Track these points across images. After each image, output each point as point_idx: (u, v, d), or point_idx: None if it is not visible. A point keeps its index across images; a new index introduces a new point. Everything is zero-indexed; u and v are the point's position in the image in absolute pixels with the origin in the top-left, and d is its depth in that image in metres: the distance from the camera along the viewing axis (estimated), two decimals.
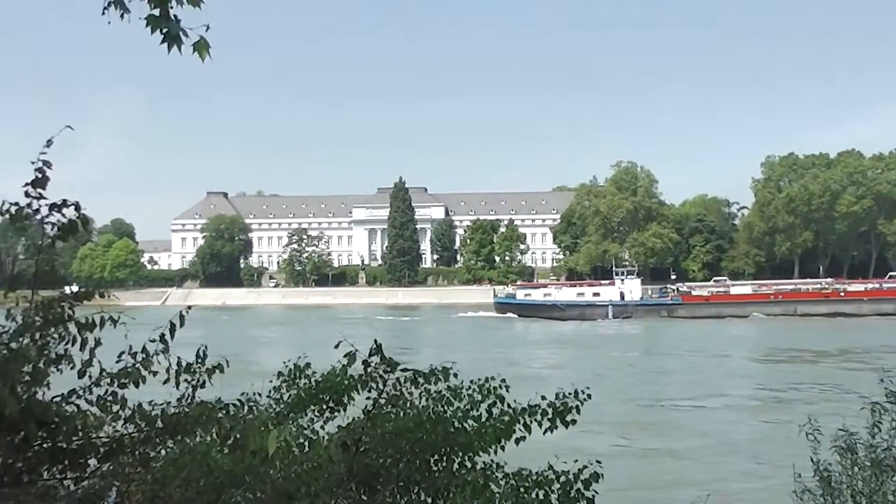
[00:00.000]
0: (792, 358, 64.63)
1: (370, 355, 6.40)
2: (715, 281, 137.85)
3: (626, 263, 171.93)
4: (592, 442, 31.21)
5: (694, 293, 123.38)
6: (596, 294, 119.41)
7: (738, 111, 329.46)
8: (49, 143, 5.02)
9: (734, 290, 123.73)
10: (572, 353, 71.12)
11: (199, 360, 5.69)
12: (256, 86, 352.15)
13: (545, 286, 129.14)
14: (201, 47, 4.57)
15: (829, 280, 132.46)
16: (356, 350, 6.42)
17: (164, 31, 4.53)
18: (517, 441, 6.75)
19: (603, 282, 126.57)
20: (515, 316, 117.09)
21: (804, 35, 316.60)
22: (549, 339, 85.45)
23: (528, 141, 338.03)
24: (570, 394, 6.97)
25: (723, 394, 46.41)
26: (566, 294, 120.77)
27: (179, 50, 4.58)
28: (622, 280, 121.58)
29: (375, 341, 6.37)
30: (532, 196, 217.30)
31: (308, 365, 7.38)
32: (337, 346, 6.45)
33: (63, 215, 5.01)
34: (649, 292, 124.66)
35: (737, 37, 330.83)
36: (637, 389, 47.26)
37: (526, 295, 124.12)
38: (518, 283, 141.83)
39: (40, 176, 4.97)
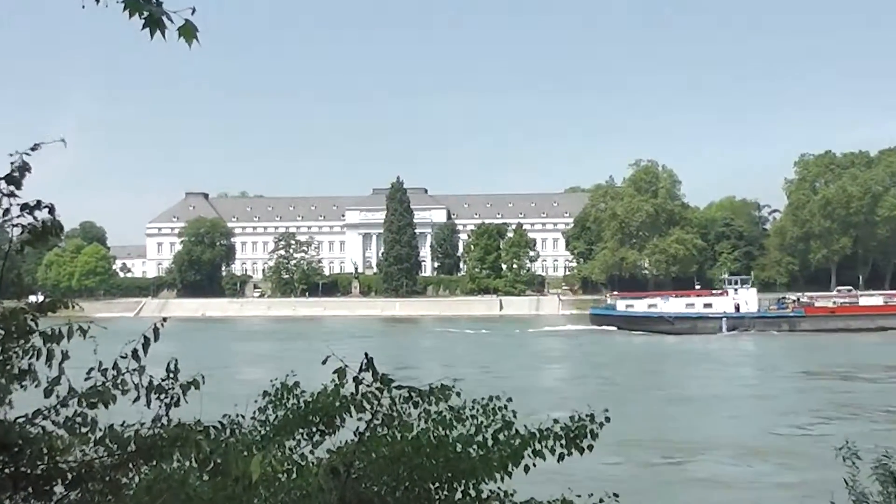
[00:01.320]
0: None
1: (360, 371, 6.38)
2: (838, 291, 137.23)
3: (646, 272, 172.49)
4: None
5: (817, 304, 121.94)
6: (707, 305, 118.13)
7: (770, 106, 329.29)
8: (36, 147, 4.96)
9: (863, 301, 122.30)
10: (710, 374, 68.55)
11: (171, 376, 5.66)
12: (240, 78, 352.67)
13: (650, 296, 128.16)
14: (187, 32, 4.51)
15: None
16: (346, 366, 6.41)
17: (145, 15, 4.51)
18: (526, 468, 6.74)
19: (714, 291, 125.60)
20: (615, 329, 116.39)
21: (841, 26, 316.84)
22: (669, 357, 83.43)
23: (538, 138, 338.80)
24: (586, 416, 6.96)
25: None
26: (674, 305, 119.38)
27: (163, 35, 4.55)
28: (736, 290, 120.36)
29: (366, 355, 6.35)
30: (542, 198, 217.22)
31: (297, 384, 7.38)
32: (325, 363, 6.44)
33: (35, 218, 4.96)
34: (766, 303, 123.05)
35: (768, 29, 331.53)
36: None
37: (628, 306, 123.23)
38: (615, 292, 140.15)
39: (16, 175, 4.92)
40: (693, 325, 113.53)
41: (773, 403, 50.67)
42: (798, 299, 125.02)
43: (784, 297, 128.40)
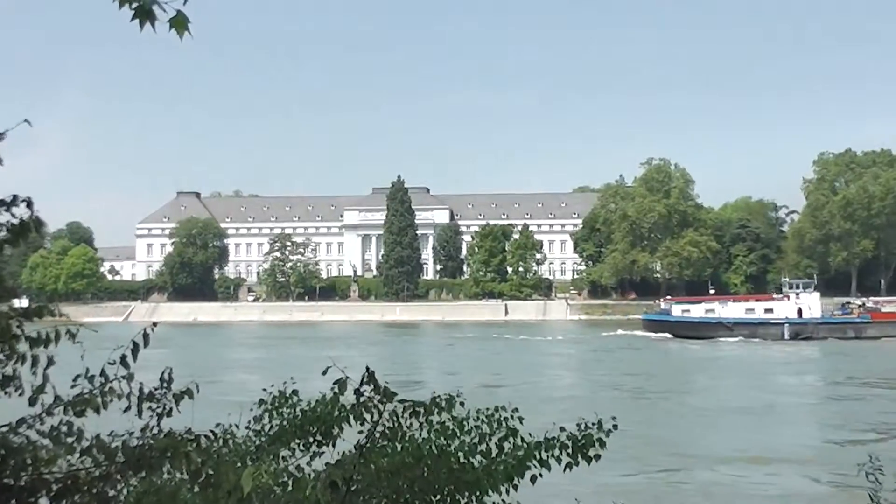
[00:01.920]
0: None
1: (362, 383, 6.37)
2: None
3: (658, 275, 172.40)
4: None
5: (884, 310, 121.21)
6: (768, 310, 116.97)
7: (787, 103, 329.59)
8: (1, 136, 4.95)
9: None
10: (776, 382, 67.71)
11: (165, 385, 5.65)
12: (233, 73, 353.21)
13: (707, 300, 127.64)
14: (179, 24, 4.47)
15: None
16: (347, 377, 6.40)
17: (135, 6, 4.48)
18: (532, 479, 6.73)
19: (776, 296, 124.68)
20: (670, 336, 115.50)
21: (860, 19, 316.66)
22: (731, 364, 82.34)
23: (546, 136, 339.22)
24: (593, 424, 6.95)
25: None
26: (732, 310, 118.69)
27: (153, 27, 4.53)
28: (797, 294, 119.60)
29: (367, 368, 6.35)
30: (549, 198, 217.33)
31: (295, 392, 7.37)
32: (325, 373, 6.43)
33: (13, 215, 4.94)
34: (831, 308, 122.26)
35: (783, 25, 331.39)
36: None
37: (684, 311, 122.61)
38: (668, 297, 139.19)
39: None
40: (753, 331, 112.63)
41: (842, 414, 50.00)
42: (864, 304, 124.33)
43: (848, 302, 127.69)
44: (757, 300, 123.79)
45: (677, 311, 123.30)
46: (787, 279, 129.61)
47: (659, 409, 51.91)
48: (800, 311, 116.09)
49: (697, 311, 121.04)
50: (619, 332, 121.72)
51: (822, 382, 68.60)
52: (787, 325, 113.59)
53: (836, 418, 48.67)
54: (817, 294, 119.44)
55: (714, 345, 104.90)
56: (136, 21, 4.50)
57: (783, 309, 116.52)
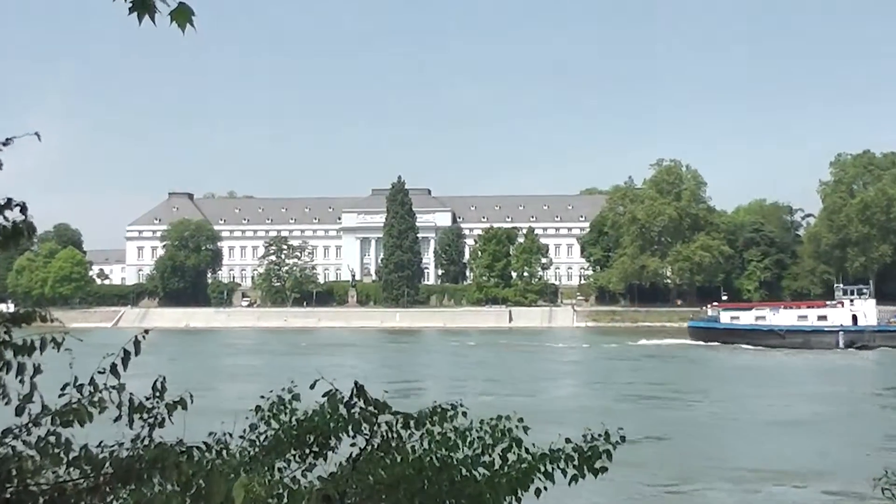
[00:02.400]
0: None
1: (351, 397, 6.37)
2: None
3: (668, 281, 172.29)
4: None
5: None
6: (822, 317, 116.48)
7: (802, 102, 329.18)
8: (7, 141, 4.94)
9: None
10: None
11: (157, 395, 5.65)
12: (226, 68, 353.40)
13: (757, 307, 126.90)
14: (181, 16, 4.44)
15: None
16: (336, 390, 6.40)
17: None
18: (537, 492, 6.73)
19: (828, 302, 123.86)
20: (717, 344, 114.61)
21: (878, 17, 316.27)
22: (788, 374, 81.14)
23: (552, 135, 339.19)
24: (599, 435, 6.94)
25: None
26: (785, 317, 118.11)
27: (153, 20, 4.49)
28: (852, 301, 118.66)
29: (356, 383, 6.36)
30: (556, 200, 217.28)
31: (296, 397, 7.36)
32: (313, 387, 6.44)
33: (5, 218, 4.94)
34: (887, 316, 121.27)
35: (797, 21, 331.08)
36: None
37: (733, 318, 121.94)
38: (715, 303, 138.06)
39: None
40: (806, 340, 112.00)
41: (884, 427, 49.59)
42: None
43: None
44: (809, 307, 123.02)
45: (725, 317, 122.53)
46: (842, 285, 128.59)
47: (683, 421, 51.78)
48: (855, 319, 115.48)
49: (747, 318, 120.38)
50: (661, 341, 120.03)
51: (871, 393, 68.08)
52: (841, 333, 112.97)
53: (876, 431, 48.29)
54: (873, 301, 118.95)
55: (765, 354, 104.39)
56: (131, 16, 4.47)
57: (838, 316, 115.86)
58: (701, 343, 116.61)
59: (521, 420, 7.06)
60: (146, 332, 5.51)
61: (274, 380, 8.21)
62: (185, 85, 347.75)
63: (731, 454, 41.51)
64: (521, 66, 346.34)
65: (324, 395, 6.48)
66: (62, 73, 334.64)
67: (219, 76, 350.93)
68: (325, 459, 6.94)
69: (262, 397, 7.50)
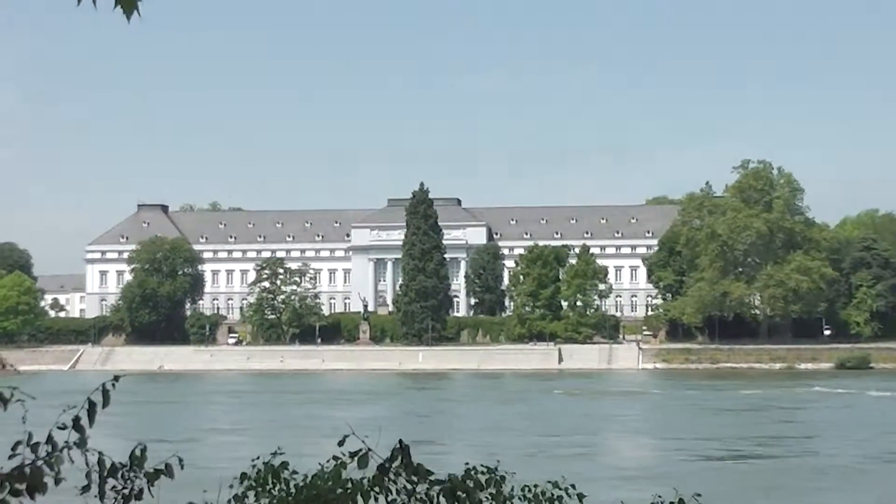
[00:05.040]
0: None
1: (392, 459, 6.41)
2: None
3: (756, 311, 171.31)
4: None
5: None
6: None
7: None
8: None
9: None
10: None
11: (135, 464, 5.67)
12: (209, 54, 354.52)
13: None
14: (126, 1, 4.56)
15: None
16: (368, 448, 6.43)
17: None
18: None
19: None
20: None
21: None
22: None
23: (610, 132, 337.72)
24: (671, 502, 6.97)
25: None
26: None
27: (94, 3, 4.54)
28: None
29: (401, 442, 6.40)
30: (616, 211, 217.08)
31: (285, 465, 7.42)
32: (342, 443, 6.47)
33: None
34: None
35: None
36: None
37: None
38: None
39: None
40: None
41: None
42: None
43: None
44: None
45: None
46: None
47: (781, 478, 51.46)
48: None
49: None
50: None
51: None
52: None
53: None
54: None
55: None
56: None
57: None
58: None
59: (572, 486, 7.09)
60: (116, 378, 5.55)
61: (266, 438, 8.28)
62: (156, 76, 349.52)
63: None
64: (568, 47, 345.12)
65: (353, 455, 6.51)
66: (7, 65, 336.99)
67: (200, 65, 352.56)
68: None
69: (253, 463, 7.55)
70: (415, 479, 6.42)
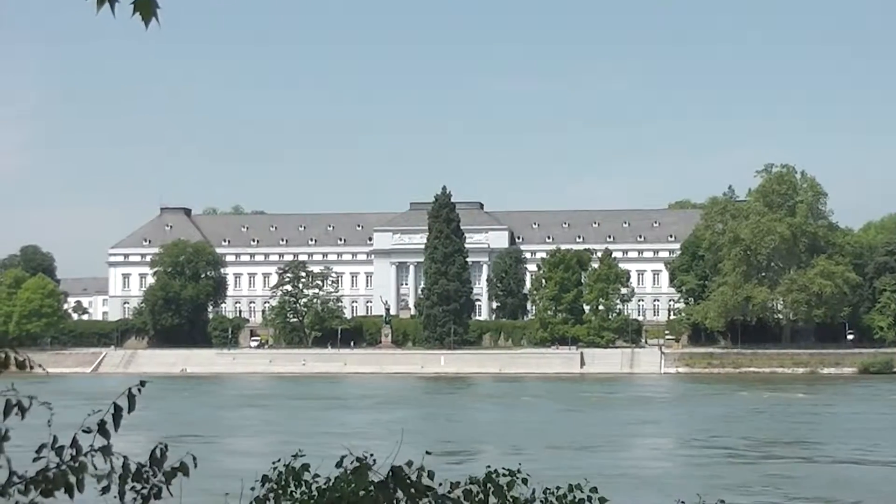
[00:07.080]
0: None
1: (386, 481, 6.42)
2: None
3: (780, 316, 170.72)
4: None
5: None
6: None
7: None
8: None
9: None
10: None
11: (155, 464, 5.67)
12: (233, 57, 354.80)
13: None
14: (143, 7, 4.52)
15: None
16: (367, 456, 6.43)
17: None
18: None
19: None
20: None
21: None
22: None
23: (632, 136, 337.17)
24: None
25: None
26: None
27: (112, 11, 4.54)
28: None
29: (391, 468, 6.41)
30: (638, 215, 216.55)
31: (306, 467, 7.42)
32: (339, 464, 6.49)
33: None
34: None
35: None
36: None
37: None
38: None
39: None
40: None
41: None
42: None
43: None
44: None
45: None
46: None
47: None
48: None
49: None
50: None
51: None
52: None
53: None
54: None
55: None
56: (93, 8, 4.50)
57: None
58: None
59: (594, 490, 7.09)
60: (143, 383, 5.54)
61: (289, 441, 8.28)
62: (180, 80, 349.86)
63: None
64: (593, 50, 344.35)
65: (351, 473, 6.52)
66: (34, 70, 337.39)
67: (223, 68, 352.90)
68: None
69: (273, 465, 7.55)
70: (417, 494, 6.42)
